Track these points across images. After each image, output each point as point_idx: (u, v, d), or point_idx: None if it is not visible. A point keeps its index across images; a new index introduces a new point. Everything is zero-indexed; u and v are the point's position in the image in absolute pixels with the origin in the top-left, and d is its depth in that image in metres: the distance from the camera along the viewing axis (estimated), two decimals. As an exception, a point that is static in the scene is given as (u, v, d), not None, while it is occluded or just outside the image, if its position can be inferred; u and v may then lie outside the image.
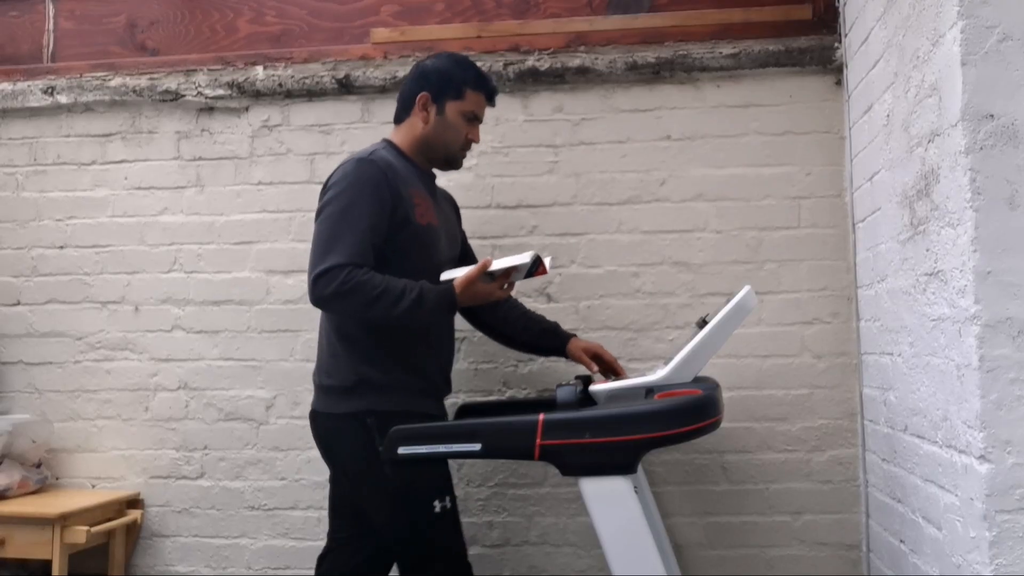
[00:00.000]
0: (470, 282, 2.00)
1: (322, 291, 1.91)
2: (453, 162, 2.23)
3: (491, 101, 2.24)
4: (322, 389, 2.08)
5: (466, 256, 2.35)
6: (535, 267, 2.03)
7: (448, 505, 1.97)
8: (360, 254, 1.93)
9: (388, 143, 2.18)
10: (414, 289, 1.95)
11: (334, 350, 2.05)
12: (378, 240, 1.97)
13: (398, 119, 2.22)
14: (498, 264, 2.00)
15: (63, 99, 2.83)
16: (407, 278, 1.96)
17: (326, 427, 2.07)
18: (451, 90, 2.15)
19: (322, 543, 2.63)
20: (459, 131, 2.17)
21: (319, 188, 2.67)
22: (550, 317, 2.56)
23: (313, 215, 2.67)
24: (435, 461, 1.95)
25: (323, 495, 2.63)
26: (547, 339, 2.33)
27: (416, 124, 2.16)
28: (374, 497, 2.01)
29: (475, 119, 2.19)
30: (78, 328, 2.80)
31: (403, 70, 2.66)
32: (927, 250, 1.75)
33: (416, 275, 1.99)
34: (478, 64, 2.60)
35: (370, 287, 1.90)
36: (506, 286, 2.04)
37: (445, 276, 2.08)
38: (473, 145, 2.25)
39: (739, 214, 2.56)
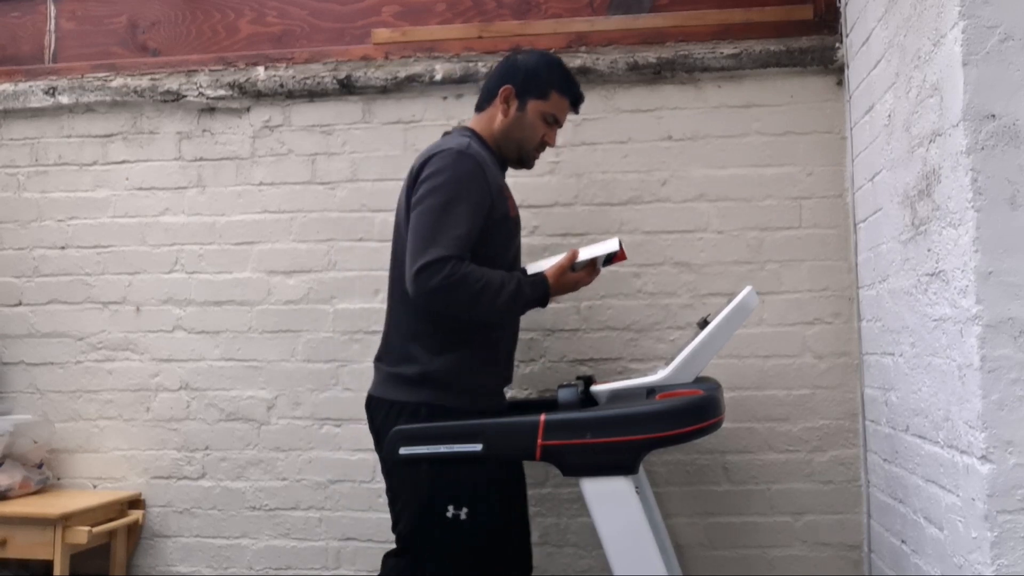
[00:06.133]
0: (561, 272, 2.03)
1: (425, 283, 1.87)
2: (525, 161, 2.21)
3: (575, 107, 2.21)
4: (384, 375, 2.06)
5: None
6: (613, 253, 2.07)
7: (463, 516, 1.90)
8: (462, 247, 1.90)
9: (473, 133, 2.14)
10: (511, 281, 1.96)
11: (403, 339, 2.02)
12: (476, 234, 1.95)
13: (479, 107, 2.20)
14: (585, 254, 2.06)
15: (64, 100, 2.83)
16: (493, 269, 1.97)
17: (380, 412, 2.03)
18: (536, 88, 2.12)
19: (323, 543, 2.64)
20: (536, 131, 2.15)
21: (320, 188, 2.71)
22: (551, 317, 2.56)
23: (315, 216, 2.71)
24: (474, 468, 1.90)
25: (324, 495, 2.64)
26: None
27: (495, 116, 2.14)
28: (402, 488, 1.98)
29: (555, 122, 2.18)
30: (79, 328, 2.81)
31: (404, 71, 2.67)
32: (928, 250, 1.75)
33: (499, 266, 2.01)
34: (479, 65, 2.62)
35: (473, 280, 1.89)
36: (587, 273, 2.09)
37: (532, 268, 2.11)
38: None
39: (740, 214, 2.56)
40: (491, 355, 2.07)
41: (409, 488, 1.96)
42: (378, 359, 2.11)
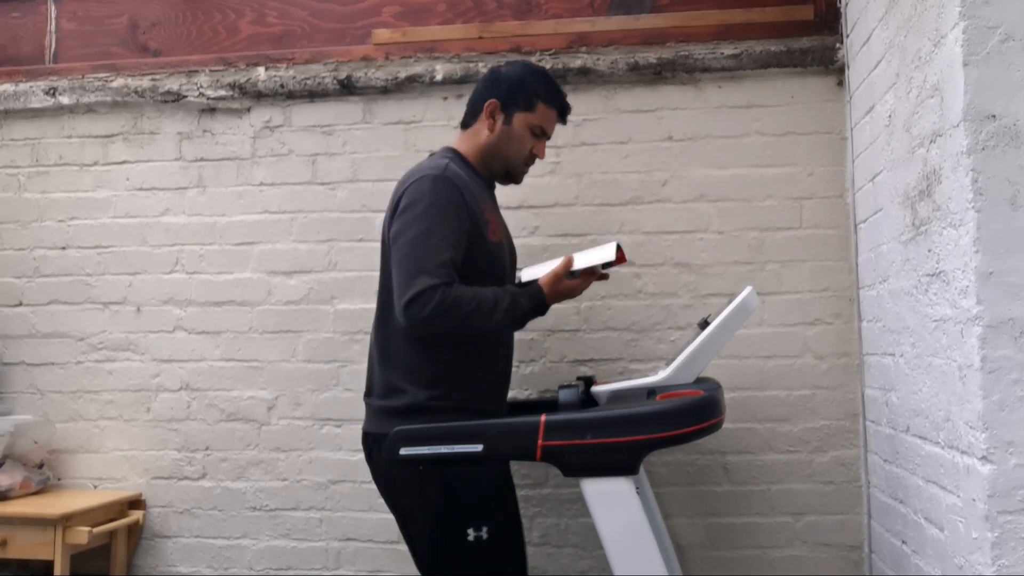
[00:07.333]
0: (556, 280, 2.00)
1: (417, 314, 1.84)
2: (513, 176, 2.17)
3: (562, 118, 2.18)
4: (374, 410, 2.03)
5: None
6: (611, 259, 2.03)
7: (484, 536, 1.87)
8: (448, 273, 1.87)
9: (455, 153, 2.11)
10: (505, 296, 1.93)
11: (390, 371, 2.00)
12: (460, 258, 1.92)
13: (465, 124, 2.16)
14: (580, 262, 2.01)
15: (65, 100, 2.83)
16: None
17: (377, 447, 1.98)
18: (522, 100, 2.08)
19: (323, 543, 2.64)
20: (524, 144, 2.11)
21: (320, 188, 2.72)
22: (551, 317, 2.56)
23: (315, 216, 2.71)
24: (481, 486, 1.91)
25: (324, 496, 2.65)
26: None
27: (481, 131, 2.10)
28: (417, 522, 1.96)
29: (542, 134, 2.13)
30: (80, 329, 2.81)
31: (404, 71, 2.67)
32: (929, 251, 1.75)
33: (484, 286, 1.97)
34: (479, 65, 2.62)
35: (464, 302, 1.86)
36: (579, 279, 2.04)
37: (526, 276, 2.08)
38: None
39: (741, 215, 2.56)
40: (484, 377, 2.04)
41: (421, 512, 1.93)
42: (367, 394, 2.08)
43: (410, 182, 1.98)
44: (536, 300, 1.99)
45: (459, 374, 1.98)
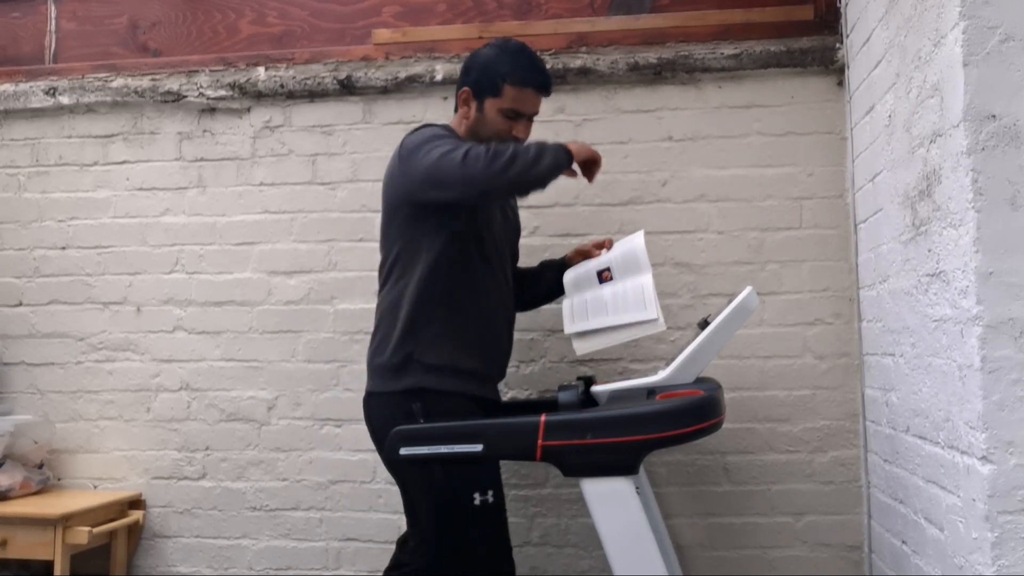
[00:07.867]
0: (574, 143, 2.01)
1: (415, 172, 1.91)
2: None
3: (543, 92, 2.09)
4: (372, 369, 2.04)
5: (514, 256, 2.30)
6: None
7: (489, 499, 1.90)
8: (455, 142, 1.91)
9: (448, 127, 2.14)
10: (510, 146, 1.90)
11: (385, 328, 2.02)
12: None
13: (455, 110, 2.18)
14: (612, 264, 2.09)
15: (65, 100, 2.83)
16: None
17: (374, 407, 2.02)
18: (489, 86, 2.05)
19: (323, 544, 2.64)
20: (498, 128, 2.06)
21: (320, 188, 2.72)
22: (551, 317, 2.56)
23: (315, 216, 2.71)
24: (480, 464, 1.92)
25: (324, 496, 2.64)
26: (552, 271, 2.28)
27: (462, 119, 2.13)
28: (416, 484, 1.96)
29: (518, 116, 2.07)
30: (80, 329, 2.81)
31: (404, 71, 2.67)
32: (929, 251, 1.75)
33: (487, 249, 2.05)
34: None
35: (477, 149, 1.86)
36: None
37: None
38: None
39: (741, 215, 2.56)
40: (477, 338, 2.04)
41: (424, 483, 1.93)
42: (368, 353, 2.09)
43: (406, 135, 2.04)
44: (554, 146, 1.95)
45: (456, 330, 1.99)
